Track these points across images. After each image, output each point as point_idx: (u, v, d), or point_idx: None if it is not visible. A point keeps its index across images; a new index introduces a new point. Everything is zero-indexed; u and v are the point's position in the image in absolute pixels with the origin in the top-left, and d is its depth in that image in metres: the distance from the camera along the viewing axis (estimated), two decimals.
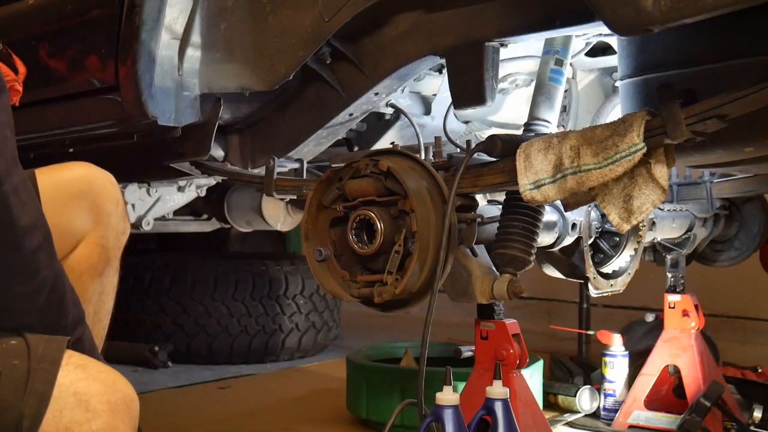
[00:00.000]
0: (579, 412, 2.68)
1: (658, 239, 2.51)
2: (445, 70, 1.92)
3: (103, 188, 1.57)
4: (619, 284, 2.15)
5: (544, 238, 1.90)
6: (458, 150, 2.08)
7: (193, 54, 1.92)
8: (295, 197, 2.09)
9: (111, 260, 1.59)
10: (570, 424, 2.61)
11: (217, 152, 2.16)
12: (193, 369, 3.52)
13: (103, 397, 1.09)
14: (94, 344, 1.27)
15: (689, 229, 2.55)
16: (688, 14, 1.23)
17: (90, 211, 1.55)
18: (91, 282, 1.56)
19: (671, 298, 2.60)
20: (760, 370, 3.08)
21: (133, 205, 2.58)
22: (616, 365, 2.64)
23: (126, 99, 1.88)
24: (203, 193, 2.76)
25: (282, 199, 2.16)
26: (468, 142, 1.78)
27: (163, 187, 2.63)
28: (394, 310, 1.67)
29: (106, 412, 1.08)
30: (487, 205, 1.86)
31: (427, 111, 2.31)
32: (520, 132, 1.88)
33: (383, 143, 2.31)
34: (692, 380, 2.49)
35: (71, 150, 2.20)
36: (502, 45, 1.69)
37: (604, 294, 2.11)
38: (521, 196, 1.53)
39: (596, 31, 1.85)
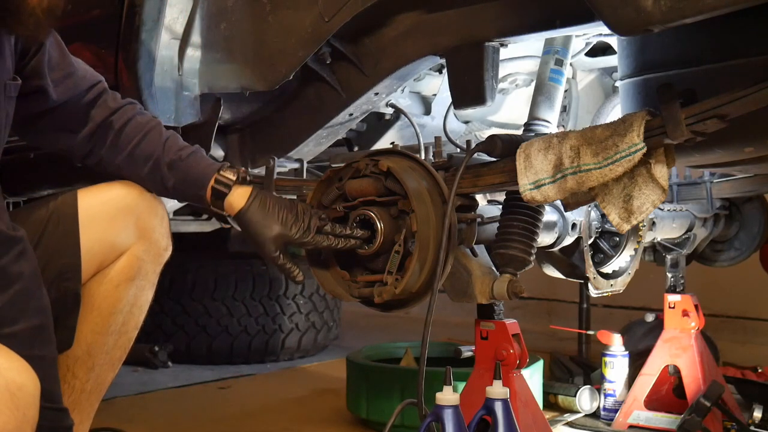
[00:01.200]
0: (579, 412, 2.68)
1: (658, 239, 2.51)
2: (445, 70, 1.92)
3: (150, 204, 1.60)
4: (619, 284, 2.15)
5: (544, 238, 1.90)
6: (458, 150, 2.08)
7: (193, 54, 1.92)
8: (295, 197, 2.09)
9: (149, 275, 1.61)
10: (570, 424, 2.61)
11: (217, 152, 2.16)
12: (193, 369, 3.51)
13: None
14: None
15: (689, 229, 2.55)
16: (688, 14, 1.23)
17: (135, 225, 1.57)
18: (126, 293, 1.58)
19: (671, 298, 2.60)
20: (760, 370, 3.08)
21: None
22: (616, 365, 2.64)
23: None
24: None
25: None
26: (468, 142, 1.78)
27: None
28: (394, 310, 1.67)
29: None
30: (487, 205, 1.86)
31: (427, 111, 2.31)
32: (520, 132, 1.88)
33: (383, 143, 2.30)
34: (692, 380, 2.49)
35: None
36: (502, 45, 1.69)
37: (604, 294, 2.11)
38: (521, 196, 1.53)
39: (596, 31, 1.85)
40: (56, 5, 1.37)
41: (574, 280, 2.10)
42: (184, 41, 1.90)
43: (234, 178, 1.57)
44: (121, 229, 1.56)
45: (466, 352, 1.97)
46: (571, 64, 2.04)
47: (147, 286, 1.62)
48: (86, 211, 1.53)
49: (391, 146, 1.81)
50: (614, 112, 2.27)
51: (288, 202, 1.59)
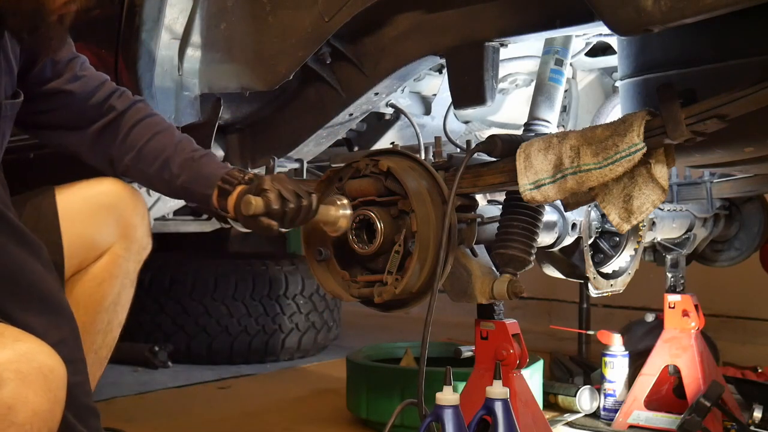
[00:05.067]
0: (579, 412, 2.68)
1: (658, 239, 2.51)
2: (445, 70, 1.92)
3: (131, 202, 1.60)
4: (619, 284, 2.15)
5: (544, 238, 1.90)
6: (458, 150, 2.08)
7: (193, 54, 1.92)
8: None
9: (129, 273, 1.62)
10: (570, 424, 2.61)
11: (217, 152, 2.16)
12: (193, 369, 3.51)
13: (12, 365, 1.07)
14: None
15: (689, 229, 2.55)
16: (688, 14, 1.23)
17: (116, 223, 1.57)
18: (110, 292, 1.59)
19: (671, 298, 2.60)
20: (760, 370, 3.08)
21: None
22: (616, 365, 2.64)
23: None
24: None
25: None
26: (468, 142, 1.78)
27: None
28: (394, 310, 1.67)
29: (13, 381, 1.06)
30: (487, 205, 1.86)
31: (427, 111, 2.31)
32: (520, 132, 1.88)
33: (383, 143, 2.31)
34: (692, 380, 2.49)
35: None
36: (502, 45, 1.69)
37: (604, 294, 2.11)
38: (521, 196, 1.53)
39: (596, 31, 1.85)
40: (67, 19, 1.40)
41: (574, 280, 2.10)
42: (184, 41, 1.91)
43: (241, 176, 1.58)
44: (103, 226, 1.56)
45: (466, 352, 1.96)
46: (571, 64, 2.04)
47: (128, 284, 1.63)
48: (67, 208, 1.53)
49: (391, 146, 1.81)
50: (614, 112, 2.27)
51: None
